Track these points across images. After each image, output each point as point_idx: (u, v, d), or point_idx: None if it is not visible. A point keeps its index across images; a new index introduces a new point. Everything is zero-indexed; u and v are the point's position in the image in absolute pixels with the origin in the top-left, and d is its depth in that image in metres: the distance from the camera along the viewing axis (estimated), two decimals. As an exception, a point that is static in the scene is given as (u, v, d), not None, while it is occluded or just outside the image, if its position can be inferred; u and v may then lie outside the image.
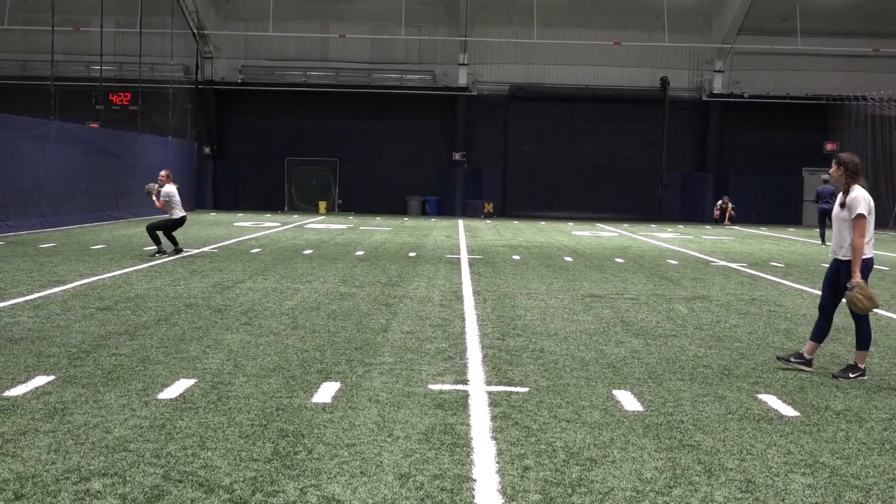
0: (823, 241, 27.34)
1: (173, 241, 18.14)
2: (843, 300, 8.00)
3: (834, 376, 7.93)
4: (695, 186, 42.21)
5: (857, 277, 7.78)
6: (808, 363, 8.18)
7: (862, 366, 7.95)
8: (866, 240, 7.88)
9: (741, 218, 40.83)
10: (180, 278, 14.00)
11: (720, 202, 39.98)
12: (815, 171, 41.15)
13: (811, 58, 41.81)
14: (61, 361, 7.70)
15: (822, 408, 6.82)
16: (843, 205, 8.00)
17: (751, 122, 42.28)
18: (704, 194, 41.85)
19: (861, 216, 7.83)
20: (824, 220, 27.12)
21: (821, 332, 8.25)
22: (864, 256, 7.86)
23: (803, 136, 41.87)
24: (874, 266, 8.23)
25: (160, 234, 17.97)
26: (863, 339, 7.96)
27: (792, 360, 8.24)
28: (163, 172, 18.06)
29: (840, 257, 8.05)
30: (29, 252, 17.81)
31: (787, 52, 41.39)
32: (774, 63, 42.41)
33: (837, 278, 8.09)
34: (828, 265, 8.39)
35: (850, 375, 7.89)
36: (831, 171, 8.24)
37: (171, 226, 18.12)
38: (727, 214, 39.51)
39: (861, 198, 7.92)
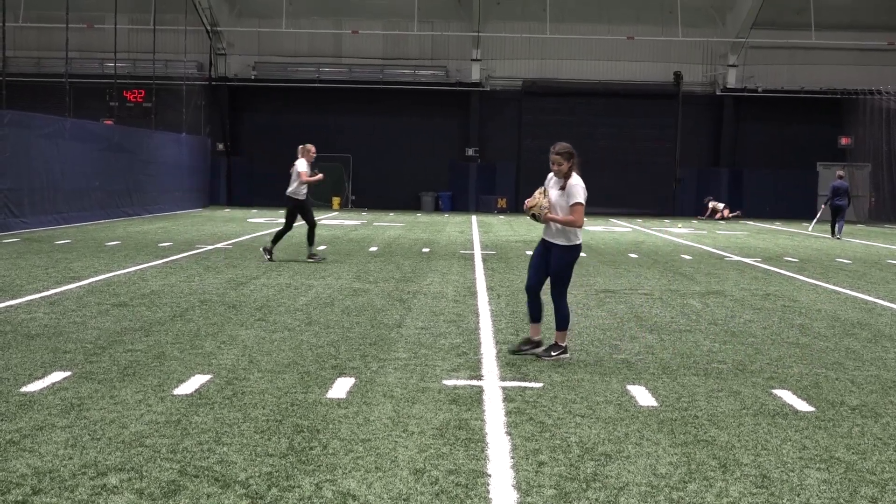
0: (833, 234, 27.37)
1: (278, 239, 16.66)
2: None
3: (538, 357, 8.10)
4: (709, 181, 42.08)
5: (547, 216, 8.03)
6: (538, 344, 8.32)
7: (563, 344, 8.17)
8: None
9: (755, 213, 40.73)
10: (194, 274, 14.05)
11: (710, 203, 39.45)
12: (829, 166, 41.00)
13: (825, 52, 41.61)
14: (77, 357, 7.75)
15: (837, 403, 6.80)
16: (563, 188, 8.10)
17: (765, 116, 42.13)
18: (719, 189, 41.71)
19: (580, 204, 8.04)
20: (837, 215, 27.45)
21: (536, 313, 8.37)
22: (576, 242, 8.14)
23: (818, 130, 41.69)
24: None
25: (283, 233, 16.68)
26: (562, 319, 8.16)
27: (523, 348, 8.32)
28: (309, 147, 16.58)
29: (551, 240, 8.15)
30: (44, 248, 17.90)
31: (802, 46, 41.21)
32: (788, 57, 42.24)
33: (544, 261, 8.22)
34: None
35: (553, 354, 8.10)
36: (561, 167, 8.06)
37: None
38: (719, 214, 38.93)
39: (581, 186, 8.11)
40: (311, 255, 16.54)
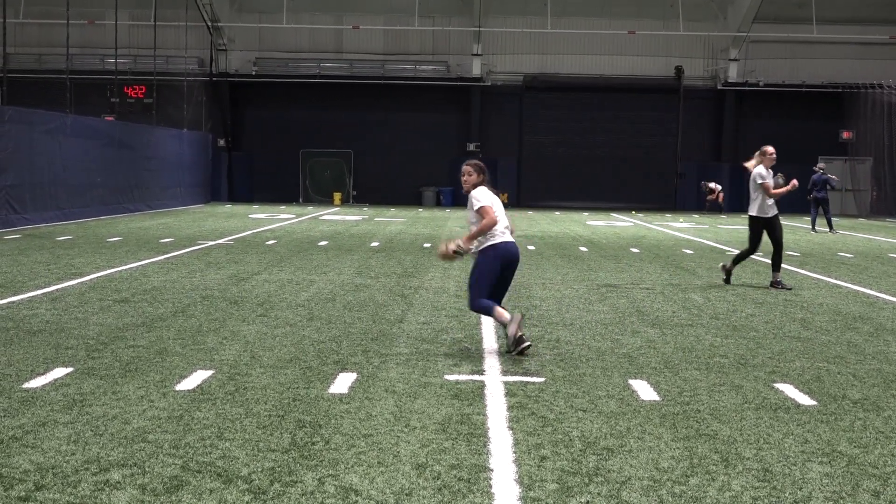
0: (813, 228, 27.19)
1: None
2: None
3: (510, 352, 7.96)
4: (710, 176, 42.03)
5: (463, 241, 8.15)
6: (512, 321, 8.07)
7: (520, 333, 7.98)
8: (495, 226, 8.12)
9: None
10: (196, 270, 14.05)
11: (713, 185, 39.15)
12: (831, 160, 40.96)
13: (827, 46, 41.56)
14: (79, 353, 7.75)
15: (839, 397, 6.79)
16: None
17: (766, 110, 42.08)
18: (720, 183, 41.67)
19: (482, 206, 8.12)
20: (818, 208, 27.27)
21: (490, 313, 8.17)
22: (494, 242, 8.13)
23: (819, 124, 41.64)
24: None
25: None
26: (484, 311, 8.13)
27: (513, 349, 8.02)
28: (767, 149, 13.47)
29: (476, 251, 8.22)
30: (46, 245, 17.90)
31: (803, 40, 41.15)
32: (790, 51, 42.19)
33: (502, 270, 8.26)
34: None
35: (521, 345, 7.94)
36: (470, 177, 8.37)
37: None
38: (717, 197, 38.66)
39: (481, 193, 8.22)
40: (775, 283, 13.13)
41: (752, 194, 13.24)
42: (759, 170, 13.17)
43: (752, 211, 13.28)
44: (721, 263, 14.12)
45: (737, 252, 13.75)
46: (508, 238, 8.32)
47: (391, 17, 42.13)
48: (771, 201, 13.20)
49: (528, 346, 7.98)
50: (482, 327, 9.45)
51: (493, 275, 8.19)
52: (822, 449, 5.50)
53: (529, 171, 42.58)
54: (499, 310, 8.10)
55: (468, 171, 8.38)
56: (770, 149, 13.39)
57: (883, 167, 39.12)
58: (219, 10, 40.95)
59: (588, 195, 41.81)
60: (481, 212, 8.14)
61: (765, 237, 13.34)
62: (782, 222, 13.51)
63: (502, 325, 8.11)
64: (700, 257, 18.00)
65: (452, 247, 8.21)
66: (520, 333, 7.97)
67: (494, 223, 8.13)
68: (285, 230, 23.50)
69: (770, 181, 13.14)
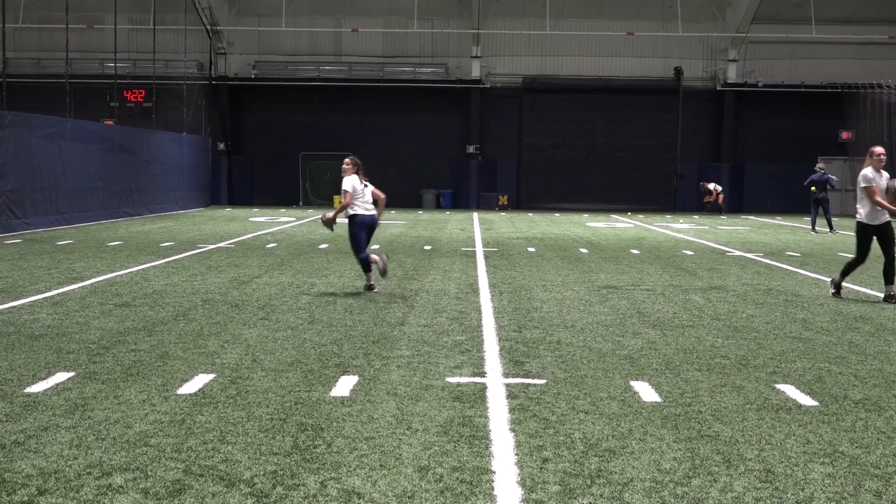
0: (813, 228, 27.08)
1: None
2: None
3: (367, 288, 12.14)
4: (710, 176, 42.04)
5: (331, 215, 12.44)
6: (371, 285, 12.17)
7: (372, 283, 12.27)
8: (349, 205, 12.02)
9: (756, 208, 40.69)
10: (197, 274, 14.06)
11: (712, 186, 38.70)
12: (830, 160, 40.96)
13: (826, 46, 41.57)
14: (81, 358, 7.75)
15: (840, 397, 6.80)
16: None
17: (766, 111, 42.08)
18: (720, 184, 41.67)
19: (345, 191, 12.00)
20: (818, 208, 27.05)
21: (367, 262, 12.18)
22: (355, 213, 12.06)
23: (819, 124, 41.63)
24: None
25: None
26: (364, 265, 12.18)
27: (371, 284, 12.20)
28: (875, 150, 12.22)
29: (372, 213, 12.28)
30: (47, 249, 17.91)
31: (802, 41, 41.15)
32: (789, 51, 42.19)
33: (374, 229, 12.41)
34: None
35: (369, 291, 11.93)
36: (348, 167, 12.18)
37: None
38: (716, 198, 38.19)
39: (346, 181, 12.04)
40: (889, 296, 12.06)
41: (859, 199, 12.22)
42: (864, 172, 12.10)
43: (860, 216, 12.19)
44: (830, 279, 12.90)
45: (845, 264, 12.74)
46: (369, 210, 12.09)
47: (390, 20, 42.14)
48: (878, 208, 12.09)
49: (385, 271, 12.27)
50: (483, 329, 9.46)
51: (361, 235, 12.09)
52: (823, 449, 5.51)
53: (529, 172, 42.57)
54: (373, 256, 12.13)
55: (347, 163, 12.19)
56: (878, 149, 12.25)
57: (888, 165, 39.06)
58: (218, 14, 40.97)
59: (588, 197, 41.80)
60: (343, 194, 11.91)
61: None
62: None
63: (374, 263, 12.09)
64: (700, 258, 18.01)
65: (330, 216, 12.39)
66: (384, 265, 12.15)
67: (348, 204, 11.93)
68: (286, 233, 23.51)
69: (882, 183, 12.04)
